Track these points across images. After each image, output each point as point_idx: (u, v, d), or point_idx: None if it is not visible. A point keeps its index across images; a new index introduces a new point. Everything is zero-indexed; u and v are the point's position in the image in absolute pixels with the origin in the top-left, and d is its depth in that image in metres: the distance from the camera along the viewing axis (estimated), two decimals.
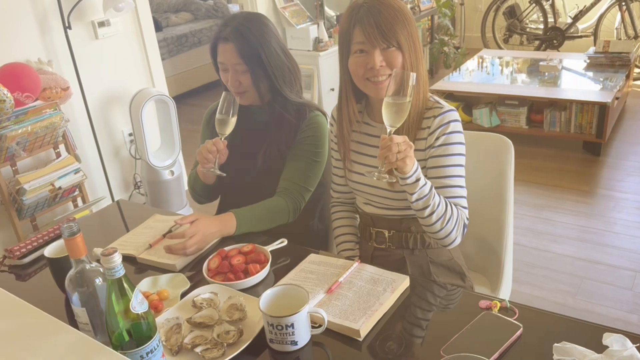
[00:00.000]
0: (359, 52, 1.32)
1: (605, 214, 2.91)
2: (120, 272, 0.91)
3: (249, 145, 1.68)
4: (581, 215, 2.92)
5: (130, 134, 3.18)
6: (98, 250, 1.41)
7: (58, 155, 2.75)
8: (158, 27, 4.92)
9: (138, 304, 0.93)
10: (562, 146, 3.72)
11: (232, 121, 1.50)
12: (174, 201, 3.21)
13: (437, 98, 1.40)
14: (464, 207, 1.37)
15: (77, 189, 2.80)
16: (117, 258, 0.90)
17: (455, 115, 1.36)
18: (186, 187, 3.54)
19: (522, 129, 3.75)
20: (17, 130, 2.43)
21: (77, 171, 2.71)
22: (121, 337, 0.96)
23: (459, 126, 1.36)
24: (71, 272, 1.00)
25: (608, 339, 0.98)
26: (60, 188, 2.64)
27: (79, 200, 2.85)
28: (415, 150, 1.35)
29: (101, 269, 1.02)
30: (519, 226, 2.83)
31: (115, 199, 3.05)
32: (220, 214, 1.63)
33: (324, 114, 1.68)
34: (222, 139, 1.50)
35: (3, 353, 0.89)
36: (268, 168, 1.64)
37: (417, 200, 1.28)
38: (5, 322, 0.97)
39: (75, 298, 1.01)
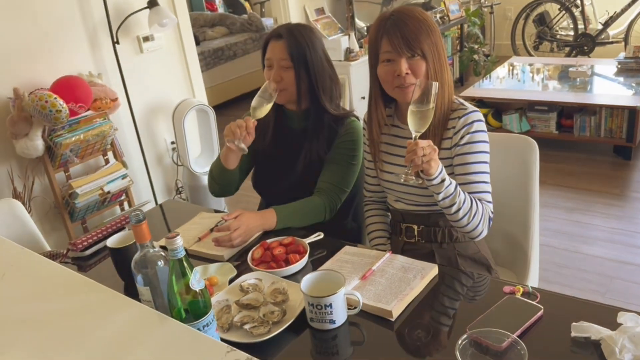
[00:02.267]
0: (387, 61, 1.44)
1: (636, 215, 2.94)
2: (182, 253, 1.04)
3: (289, 151, 1.78)
4: (611, 218, 2.95)
5: (172, 142, 3.36)
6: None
7: (107, 161, 2.94)
8: (195, 41, 5.12)
9: (196, 282, 1.06)
10: (592, 150, 3.75)
11: (267, 107, 1.55)
12: (213, 205, 3.36)
13: (461, 100, 1.50)
14: (489, 202, 1.47)
15: (124, 194, 2.97)
16: (179, 241, 1.03)
17: (479, 115, 1.46)
18: None
19: (552, 134, 3.79)
20: (70, 138, 2.62)
21: (124, 177, 2.89)
22: (180, 313, 1.09)
23: (482, 126, 1.46)
24: (137, 256, 1.13)
25: (622, 317, 1.06)
26: (109, 192, 2.82)
27: (125, 204, 3.03)
28: (441, 149, 1.46)
29: (162, 253, 1.15)
30: (549, 228, 2.88)
31: (159, 203, 3.22)
32: (261, 209, 1.77)
33: (359, 118, 1.79)
34: (254, 120, 1.55)
35: (76, 326, 1.03)
36: (308, 173, 1.75)
37: (443, 199, 1.37)
38: (76, 299, 1.11)
39: (139, 278, 1.14)
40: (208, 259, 1.52)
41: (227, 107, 5.55)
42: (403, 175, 1.34)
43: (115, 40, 2.89)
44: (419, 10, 1.43)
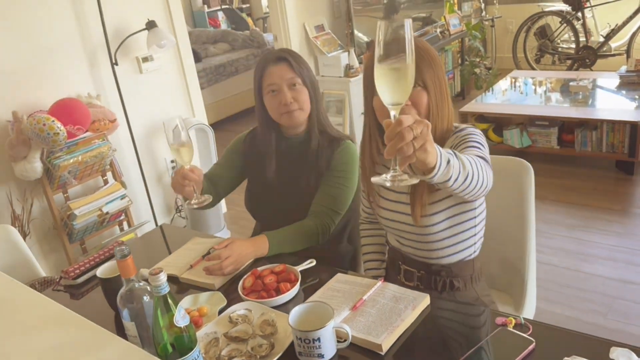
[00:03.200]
0: None
1: (638, 232, 2.91)
2: (165, 289, 1.03)
3: (288, 176, 1.78)
4: (613, 235, 2.91)
5: (172, 161, 3.36)
6: (145, 271, 1.54)
7: (106, 182, 2.94)
8: (197, 58, 5.16)
9: (181, 318, 1.05)
10: (594, 166, 3.72)
11: (186, 149, 1.49)
12: (213, 223, 3.36)
13: (456, 124, 1.44)
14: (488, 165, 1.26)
15: (123, 214, 2.98)
16: (163, 277, 1.02)
17: (473, 129, 1.38)
18: (224, 210, 3.71)
19: (553, 149, 3.77)
20: (68, 160, 2.62)
21: (123, 197, 2.89)
22: (165, 348, 1.08)
23: (477, 134, 1.36)
24: (122, 290, 1.12)
25: (614, 352, 1.04)
26: (107, 213, 2.82)
27: (125, 224, 3.03)
28: None
29: (148, 288, 1.14)
30: (550, 246, 2.85)
31: (159, 223, 3.22)
32: (255, 232, 1.76)
33: (352, 140, 1.78)
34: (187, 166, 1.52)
35: None
36: (309, 194, 1.73)
37: (455, 180, 1.07)
38: (61, 333, 1.10)
39: (125, 313, 1.13)
40: (199, 287, 1.51)
41: (229, 123, 5.56)
42: (389, 177, 0.92)
43: (114, 61, 2.91)
44: (422, 42, 1.37)
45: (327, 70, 4.23)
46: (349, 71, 4.16)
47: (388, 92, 0.87)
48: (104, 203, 2.82)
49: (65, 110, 2.59)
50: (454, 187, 1.11)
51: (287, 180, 1.76)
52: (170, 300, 1.04)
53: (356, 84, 4.17)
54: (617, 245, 2.82)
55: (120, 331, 1.26)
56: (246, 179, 1.89)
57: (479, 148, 1.30)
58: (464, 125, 1.44)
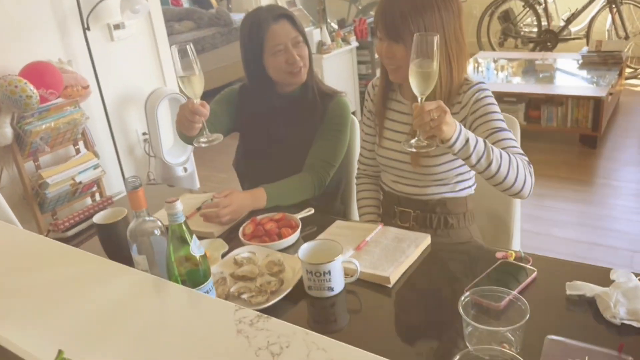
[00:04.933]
0: (379, 40, 1.44)
1: (603, 200, 3.04)
2: (182, 218, 1.02)
3: (281, 133, 1.76)
4: (580, 203, 3.04)
5: (144, 133, 3.29)
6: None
7: (77, 152, 2.85)
8: None
9: (196, 248, 1.04)
10: (560, 140, 3.86)
11: (198, 80, 1.36)
12: None
13: (465, 75, 1.45)
14: (520, 152, 1.35)
15: (96, 185, 2.90)
16: (179, 205, 1.01)
17: (484, 85, 1.41)
18: (198, 185, 3.66)
19: (521, 125, 3.83)
20: (40, 126, 2.53)
21: (96, 167, 2.82)
22: (178, 281, 1.07)
23: (486, 90, 1.40)
24: (132, 224, 1.10)
25: (615, 274, 1.09)
26: (80, 183, 2.74)
27: (97, 195, 2.95)
28: None
29: (159, 222, 1.12)
30: (522, 213, 2.93)
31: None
32: (247, 181, 1.75)
33: (344, 95, 1.79)
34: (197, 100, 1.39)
35: (73, 292, 1.00)
36: (304, 150, 1.73)
37: (477, 161, 1.22)
38: (71, 269, 1.08)
39: (134, 248, 1.11)
40: (198, 237, 1.49)
41: None
42: (413, 142, 1.18)
43: (85, 26, 2.82)
44: None
45: None
46: (321, 48, 4.16)
47: (415, 84, 1.15)
48: (77, 172, 2.74)
49: (37, 73, 2.49)
50: (479, 169, 1.25)
51: (284, 137, 1.76)
52: (186, 229, 1.03)
53: (329, 61, 4.18)
54: (584, 211, 2.95)
55: None
56: (232, 137, 1.87)
57: (500, 119, 1.37)
58: (471, 78, 1.44)
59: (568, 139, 3.84)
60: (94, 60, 2.87)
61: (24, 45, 2.66)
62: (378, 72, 1.53)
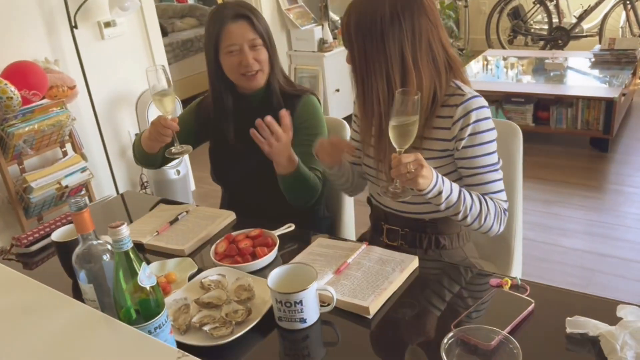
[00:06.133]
0: None
1: (614, 208, 2.89)
2: (128, 244, 0.90)
3: (247, 122, 1.62)
4: (590, 210, 2.89)
5: (136, 134, 3.19)
6: (106, 238, 1.41)
7: (65, 154, 2.76)
8: (164, 33, 4.93)
9: (146, 278, 0.93)
10: (569, 143, 3.70)
11: (169, 99, 1.46)
12: (180, 199, 3.20)
13: (459, 84, 1.32)
14: (499, 191, 1.32)
15: (84, 188, 2.80)
16: (125, 230, 0.89)
17: (479, 102, 1.28)
18: (192, 188, 3.56)
19: (529, 127, 3.73)
20: (24, 128, 2.44)
21: (83, 170, 2.72)
22: (129, 313, 0.95)
23: (484, 112, 1.28)
24: (78, 249, 0.99)
25: (622, 310, 0.97)
26: (67, 187, 2.64)
27: (86, 200, 2.85)
28: (437, 139, 1.31)
29: (109, 246, 1.01)
30: (528, 221, 2.80)
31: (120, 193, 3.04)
32: (224, 201, 1.65)
33: (314, 94, 1.68)
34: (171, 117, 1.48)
35: (10, 326, 0.89)
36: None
37: (446, 208, 1.25)
38: (12, 297, 0.97)
39: (82, 275, 1.00)
40: (167, 254, 1.38)
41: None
42: (390, 189, 1.21)
43: (73, 24, 2.72)
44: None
45: (301, 45, 4.09)
46: (322, 46, 4.03)
47: (394, 138, 1.16)
48: (63, 176, 2.64)
49: (20, 73, 2.40)
50: (446, 213, 1.27)
51: (251, 141, 1.64)
52: (133, 257, 0.92)
53: (331, 59, 4.05)
54: (594, 220, 2.80)
55: (79, 300, 1.13)
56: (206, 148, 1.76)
57: (489, 142, 1.29)
58: (466, 89, 1.30)
59: (578, 142, 3.68)
60: (83, 59, 2.77)
61: (8, 44, 2.56)
62: None
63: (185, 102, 4.72)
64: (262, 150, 1.48)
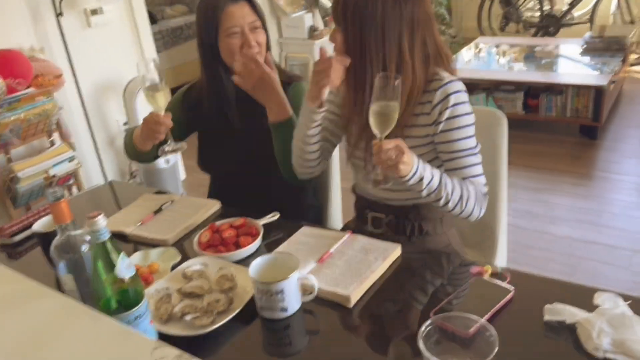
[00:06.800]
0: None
1: (602, 195, 2.91)
2: (106, 235, 0.90)
3: (253, 117, 1.62)
4: (579, 198, 2.91)
5: (125, 124, 3.17)
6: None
7: (52, 144, 2.74)
8: (153, 20, 4.89)
9: (124, 269, 0.92)
10: (559, 130, 3.71)
11: (162, 94, 1.42)
12: (170, 189, 3.20)
13: (436, 69, 1.31)
14: (479, 175, 1.32)
15: (72, 178, 2.78)
16: (102, 221, 0.89)
17: (457, 85, 1.28)
18: (182, 177, 3.55)
19: (519, 114, 3.74)
20: (9, 118, 2.41)
21: (71, 159, 2.70)
22: (108, 304, 0.95)
23: (462, 97, 1.28)
24: (56, 239, 0.99)
25: (600, 297, 0.97)
26: (54, 176, 2.63)
27: (75, 189, 2.84)
28: (418, 126, 1.31)
29: (87, 236, 1.01)
30: (517, 209, 2.82)
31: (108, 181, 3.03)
32: (213, 190, 1.64)
33: (305, 81, 1.66)
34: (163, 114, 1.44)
35: None
36: (258, 133, 1.60)
37: (428, 194, 1.25)
38: None
39: (61, 266, 1.00)
40: (150, 244, 1.38)
41: None
42: (372, 177, 1.23)
43: (59, 12, 2.69)
44: None
45: (290, 32, 4.07)
46: (313, 33, 4.01)
47: (375, 124, 1.16)
48: (51, 165, 2.63)
49: (4, 62, 2.37)
50: (427, 200, 1.28)
51: (249, 126, 1.63)
52: (111, 247, 0.91)
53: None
54: (582, 207, 2.82)
55: (62, 290, 1.13)
56: (194, 136, 1.74)
57: (467, 126, 1.29)
58: (443, 74, 1.29)
59: (567, 129, 3.69)
60: (69, 47, 2.75)
61: None
62: None
63: (175, 91, 4.71)
64: (258, 137, 1.49)
